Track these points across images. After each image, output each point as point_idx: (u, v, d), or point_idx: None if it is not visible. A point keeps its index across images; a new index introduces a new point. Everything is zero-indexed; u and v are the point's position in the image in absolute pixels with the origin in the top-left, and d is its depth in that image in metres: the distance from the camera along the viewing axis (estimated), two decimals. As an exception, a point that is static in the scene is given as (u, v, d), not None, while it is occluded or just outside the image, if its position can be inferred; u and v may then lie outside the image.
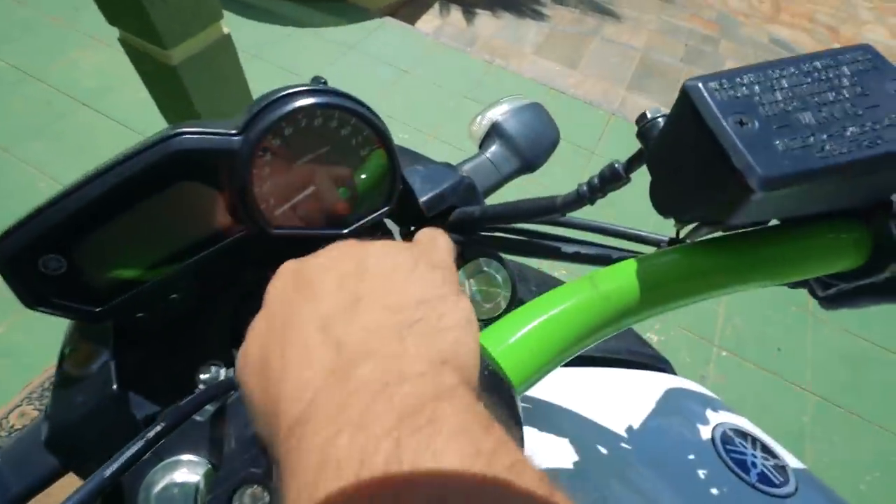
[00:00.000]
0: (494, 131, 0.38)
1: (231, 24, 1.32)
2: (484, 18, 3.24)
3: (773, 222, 0.20)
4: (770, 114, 0.16)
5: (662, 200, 0.19)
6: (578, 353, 0.21)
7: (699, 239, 0.21)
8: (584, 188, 0.24)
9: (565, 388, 0.40)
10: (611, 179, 0.23)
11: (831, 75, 0.16)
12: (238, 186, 0.25)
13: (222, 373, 0.28)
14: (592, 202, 0.25)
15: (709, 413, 0.38)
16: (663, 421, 0.37)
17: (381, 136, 0.28)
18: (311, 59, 2.29)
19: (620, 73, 2.97)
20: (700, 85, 0.16)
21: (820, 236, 0.19)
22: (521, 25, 3.28)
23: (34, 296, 0.22)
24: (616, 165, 0.23)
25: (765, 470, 0.34)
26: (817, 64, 0.17)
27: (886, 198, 0.18)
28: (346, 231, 0.29)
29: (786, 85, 0.16)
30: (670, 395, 0.40)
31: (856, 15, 5.04)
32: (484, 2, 3.52)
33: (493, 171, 0.36)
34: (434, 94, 2.23)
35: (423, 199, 0.31)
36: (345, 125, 0.27)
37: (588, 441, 0.34)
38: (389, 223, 0.35)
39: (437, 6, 3.29)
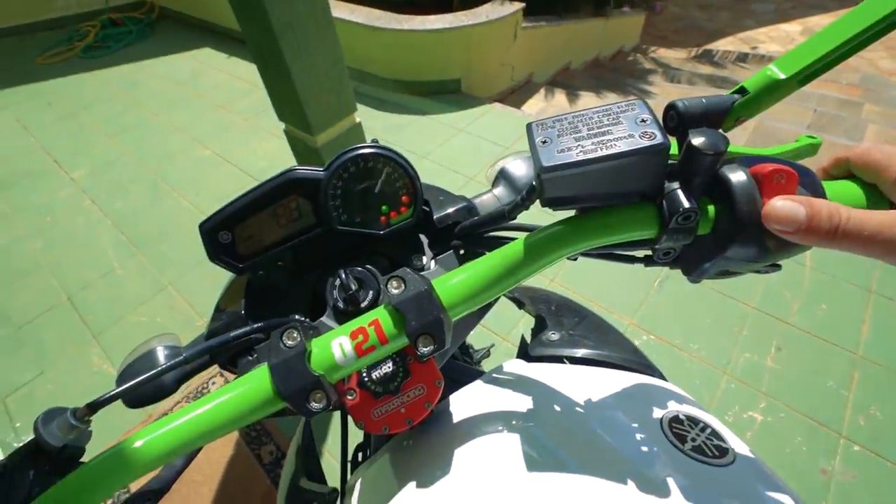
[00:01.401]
0: (501, 175, 0.52)
1: (366, 115, 1.69)
2: (586, 98, 3.45)
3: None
4: (560, 137, 0.28)
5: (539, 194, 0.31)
6: (499, 297, 0.33)
7: (566, 218, 0.32)
8: (518, 200, 0.37)
9: (563, 379, 0.48)
10: (531, 192, 0.35)
11: (604, 115, 0.28)
12: (321, 199, 0.42)
13: (297, 317, 0.45)
14: (526, 208, 0.37)
15: (672, 404, 0.44)
16: (629, 404, 0.44)
17: (408, 174, 0.44)
18: (426, 139, 2.69)
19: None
20: (533, 124, 0.29)
21: (632, 212, 0.29)
22: (624, 102, 3.40)
23: (214, 253, 0.42)
24: (534, 183, 0.35)
25: (702, 445, 0.39)
26: (600, 109, 0.28)
27: (663, 184, 0.28)
28: (382, 233, 0.45)
29: (576, 123, 0.28)
30: (646, 389, 0.46)
31: None
32: (589, 84, 3.75)
33: (497, 203, 0.50)
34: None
35: (435, 216, 0.46)
36: (386, 167, 0.44)
37: (559, 412, 0.43)
38: (422, 237, 0.51)
39: (542, 91, 3.61)
